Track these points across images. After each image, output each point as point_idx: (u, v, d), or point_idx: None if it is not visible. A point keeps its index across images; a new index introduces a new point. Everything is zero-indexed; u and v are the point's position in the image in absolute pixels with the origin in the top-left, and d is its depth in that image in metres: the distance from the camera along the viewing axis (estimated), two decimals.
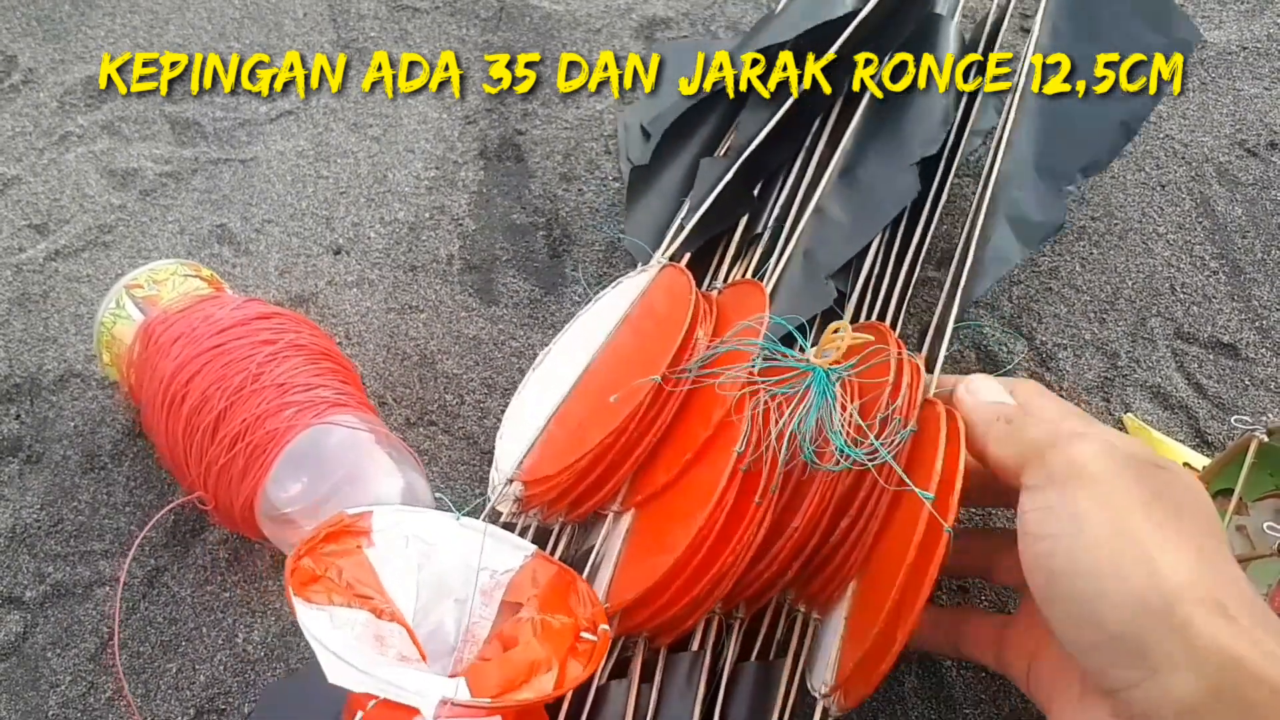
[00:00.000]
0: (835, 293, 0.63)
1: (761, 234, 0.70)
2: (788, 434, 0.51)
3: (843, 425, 0.51)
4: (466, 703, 0.42)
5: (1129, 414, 0.61)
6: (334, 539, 0.49)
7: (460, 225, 0.78)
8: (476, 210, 0.79)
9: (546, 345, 0.68)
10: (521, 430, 0.61)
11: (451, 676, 0.46)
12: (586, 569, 0.55)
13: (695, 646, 0.53)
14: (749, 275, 0.66)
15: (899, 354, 0.54)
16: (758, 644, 0.54)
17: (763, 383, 0.54)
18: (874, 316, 0.63)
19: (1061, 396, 0.63)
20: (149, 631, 0.59)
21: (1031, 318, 0.71)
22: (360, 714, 0.44)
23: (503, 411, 0.65)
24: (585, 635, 0.48)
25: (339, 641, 0.43)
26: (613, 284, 0.68)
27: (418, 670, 0.45)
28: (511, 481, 0.59)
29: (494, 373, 0.70)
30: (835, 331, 0.54)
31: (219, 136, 0.84)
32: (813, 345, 0.56)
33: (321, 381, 0.59)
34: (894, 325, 0.62)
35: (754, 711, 0.51)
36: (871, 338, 0.55)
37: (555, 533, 0.59)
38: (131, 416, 0.67)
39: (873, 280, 0.66)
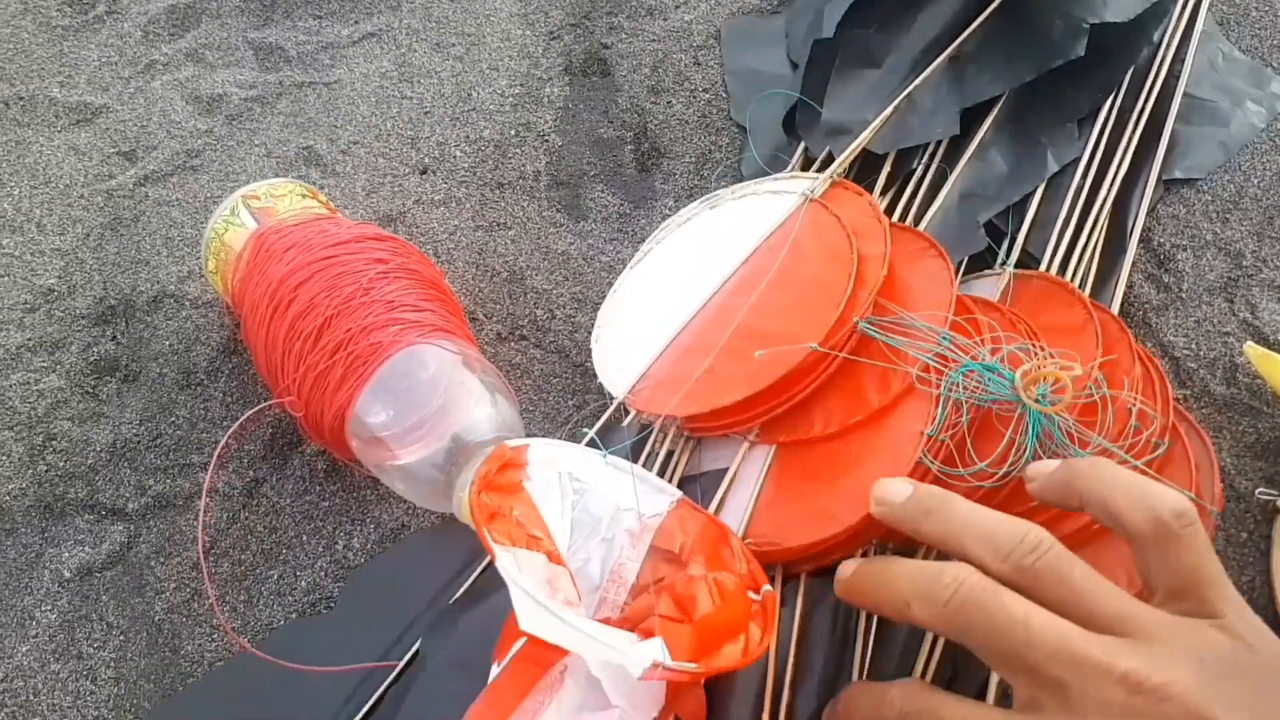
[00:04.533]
0: (985, 242, 0.62)
1: (915, 168, 0.68)
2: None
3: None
4: (675, 667, 0.41)
5: (1250, 344, 0.57)
6: (503, 472, 0.48)
7: (546, 141, 0.77)
8: (563, 126, 0.78)
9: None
10: (625, 339, 0.60)
11: (620, 625, 0.45)
12: (717, 496, 0.54)
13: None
14: (897, 208, 0.66)
15: (1136, 355, 0.53)
16: None
17: (960, 383, 0.51)
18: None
19: (1181, 299, 0.61)
20: (249, 540, 0.59)
21: (1149, 219, 0.68)
22: (512, 650, 0.44)
23: (594, 325, 0.65)
24: (753, 595, 0.47)
25: (531, 585, 0.42)
26: (742, 190, 0.66)
27: (613, 628, 0.44)
28: (629, 413, 0.58)
29: (584, 288, 0.69)
30: (1044, 368, 0.49)
31: (302, 60, 0.83)
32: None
33: (429, 306, 0.58)
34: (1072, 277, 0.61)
35: (907, 648, 0.49)
36: (1077, 369, 0.49)
37: (658, 430, 0.58)
38: (226, 335, 0.68)
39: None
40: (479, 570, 0.54)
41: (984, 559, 0.38)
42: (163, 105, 0.81)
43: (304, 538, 0.59)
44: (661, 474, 0.56)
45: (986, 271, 0.61)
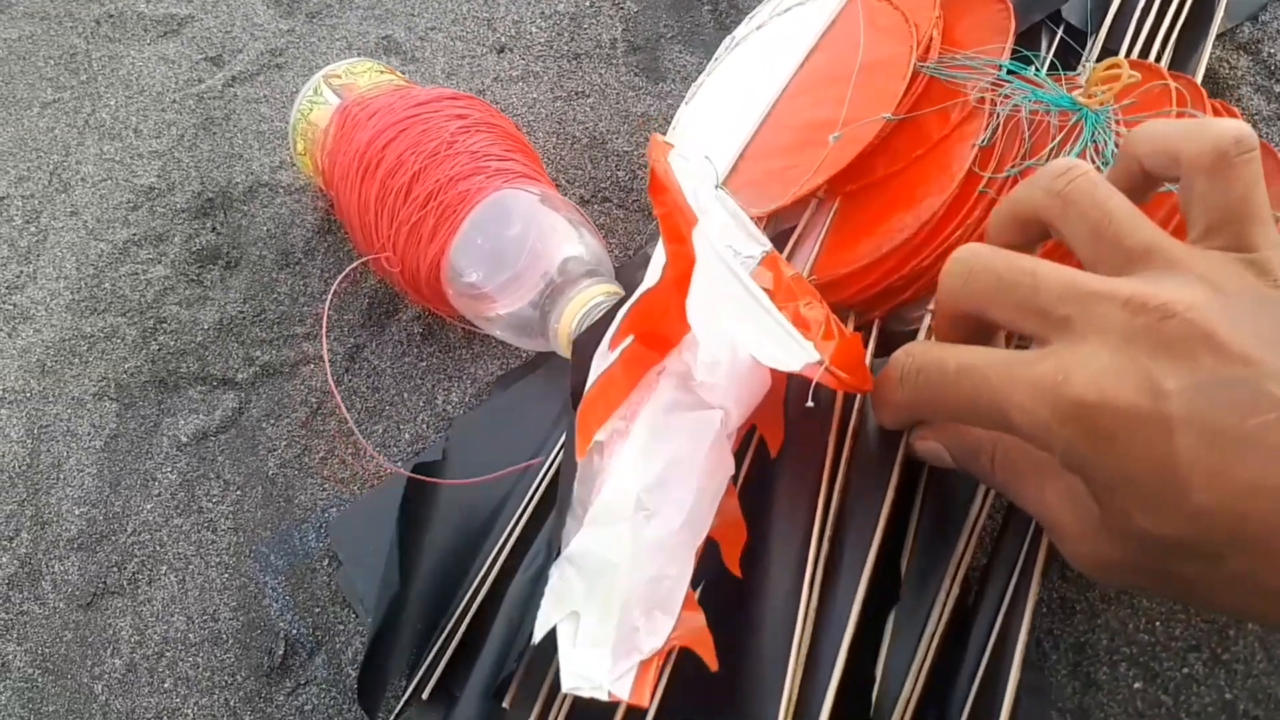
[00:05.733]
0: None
1: None
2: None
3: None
4: (835, 371, 0.41)
5: None
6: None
7: (621, 9, 0.78)
8: None
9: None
10: (699, 147, 0.61)
11: None
12: (786, 249, 0.55)
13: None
14: None
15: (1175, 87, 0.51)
16: None
17: (1015, 95, 0.52)
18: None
19: None
20: (354, 400, 0.61)
21: (1256, 29, 0.66)
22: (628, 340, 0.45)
23: None
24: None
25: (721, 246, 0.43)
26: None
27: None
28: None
29: None
30: (1110, 69, 0.50)
31: None
32: (1046, 67, 0.54)
33: (511, 156, 0.59)
34: (1157, 58, 0.59)
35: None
36: (1125, 66, 0.51)
37: None
38: (319, 216, 0.70)
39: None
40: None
41: (1016, 194, 0.39)
42: (245, 10, 0.83)
43: (405, 395, 0.61)
44: None
45: (1068, 73, 0.60)
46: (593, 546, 0.43)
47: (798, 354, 0.41)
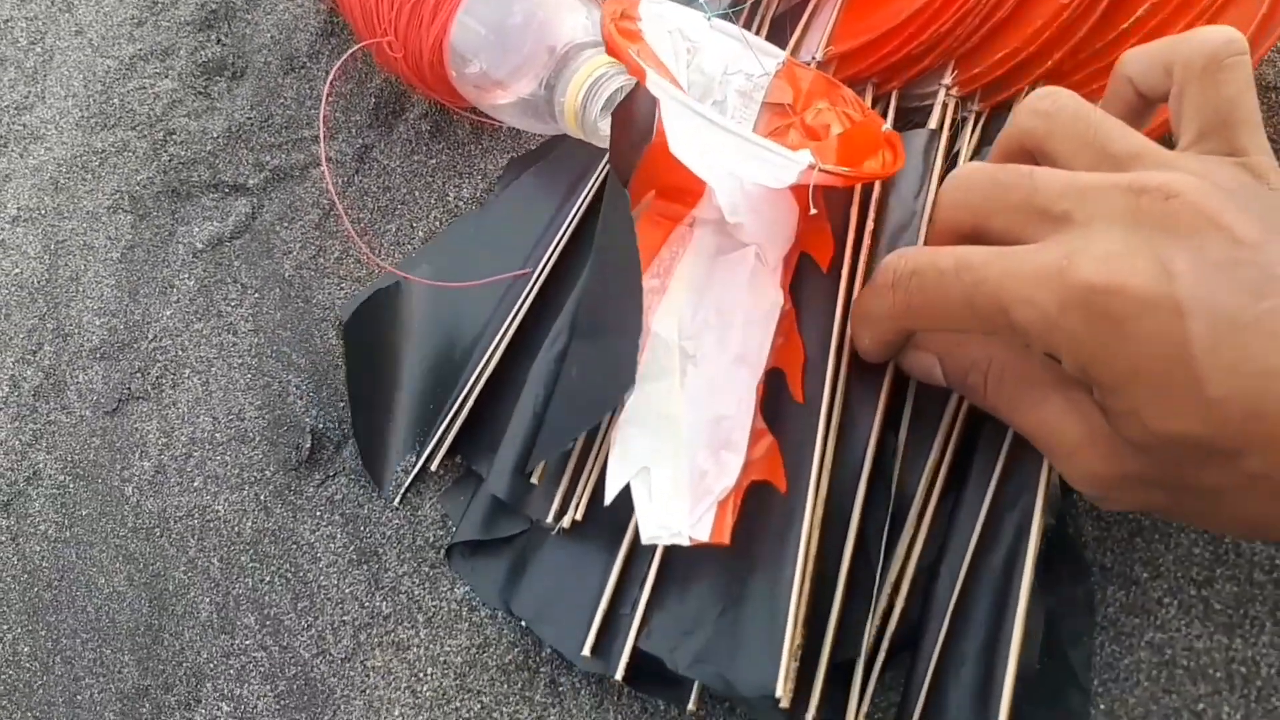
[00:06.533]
0: None
1: None
2: None
3: None
4: (828, 169, 0.41)
5: None
6: (624, 19, 0.48)
7: None
8: None
9: None
10: None
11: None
12: (802, 20, 0.55)
13: (932, 126, 0.51)
14: None
15: None
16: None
17: None
18: None
19: None
20: (365, 200, 0.61)
21: None
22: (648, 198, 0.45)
23: None
24: (885, 129, 0.48)
25: (683, 96, 0.43)
26: None
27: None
28: None
29: None
30: None
31: None
32: None
33: None
34: None
35: None
36: None
37: None
38: (323, 20, 0.68)
39: None
40: (591, 186, 0.55)
41: (1003, 131, 0.39)
42: None
43: (416, 193, 0.60)
44: (752, 15, 0.57)
45: None
46: (648, 403, 0.44)
47: (786, 166, 0.40)
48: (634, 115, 0.46)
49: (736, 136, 0.41)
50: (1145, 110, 0.38)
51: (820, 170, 0.40)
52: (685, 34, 0.50)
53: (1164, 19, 0.48)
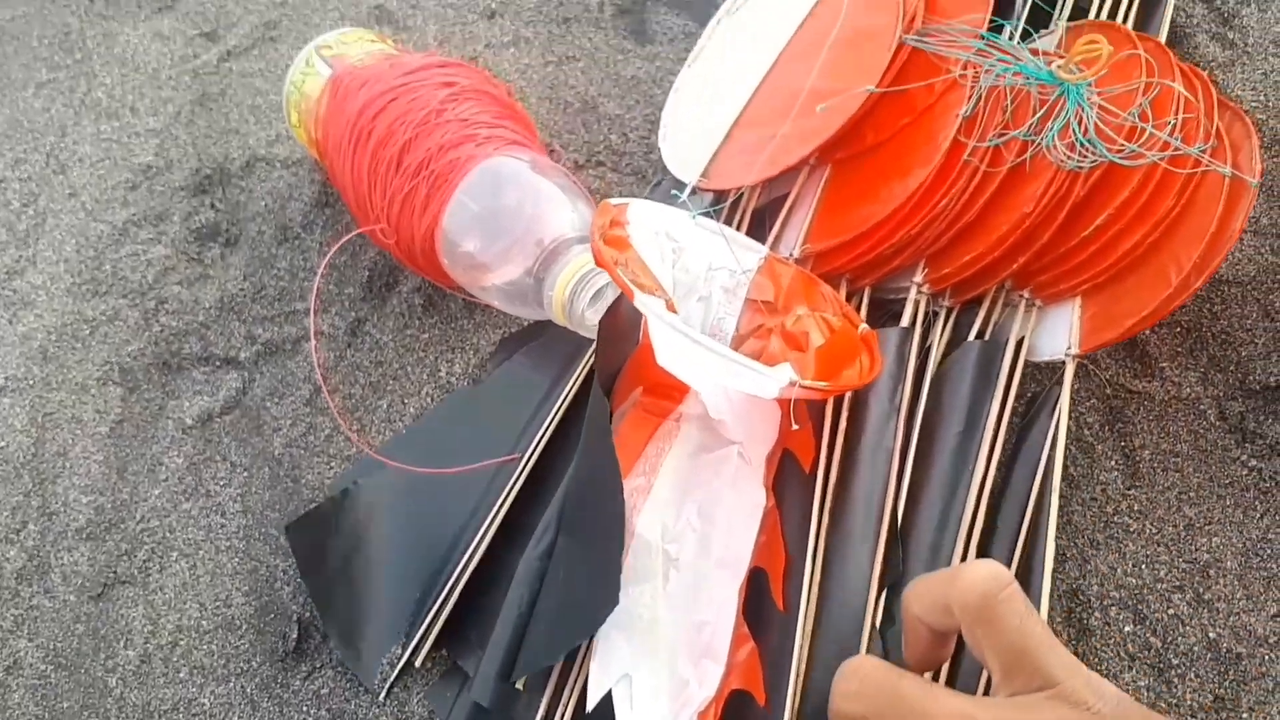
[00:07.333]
0: None
1: None
2: (1038, 136, 0.51)
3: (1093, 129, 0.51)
4: (808, 384, 0.42)
5: None
6: (613, 227, 0.49)
7: None
8: None
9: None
10: (690, 132, 0.61)
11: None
12: (780, 216, 0.57)
13: (905, 324, 0.53)
14: None
15: (1174, 64, 0.53)
16: (972, 330, 0.54)
17: (996, 66, 0.53)
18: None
19: (1247, 53, 0.59)
20: (357, 375, 0.61)
21: None
22: (635, 393, 0.45)
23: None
24: (861, 329, 0.49)
25: (670, 317, 0.44)
26: None
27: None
28: (696, 191, 0.59)
29: (655, 110, 0.69)
30: (1090, 44, 0.52)
31: None
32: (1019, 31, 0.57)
33: (500, 123, 0.59)
34: (1116, 17, 0.61)
35: (974, 390, 0.51)
36: (1104, 42, 0.52)
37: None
38: (317, 189, 0.69)
39: None
40: (580, 371, 0.56)
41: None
42: None
43: (408, 368, 0.61)
44: (734, 210, 0.59)
45: (1042, 31, 0.61)
46: (631, 607, 0.44)
47: (766, 383, 0.42)
48: (620, 322, 0.47)
49: (720, 356, 0.42)
50: (945, 639, 0.38)
51: (801, 386, 0.42)
52: (671, 234, 0.52)
53: (1122, 228, 0.50)
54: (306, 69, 0.64)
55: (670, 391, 0.49)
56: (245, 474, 0.58)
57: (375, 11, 0.78)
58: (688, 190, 0.58)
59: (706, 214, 0.55)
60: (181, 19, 0.81)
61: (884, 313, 0.55)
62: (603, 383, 0.46)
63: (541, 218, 0.55)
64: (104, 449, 0.60)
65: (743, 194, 0.59)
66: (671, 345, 0.43)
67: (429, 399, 0.59)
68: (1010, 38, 0.57)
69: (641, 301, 0.44)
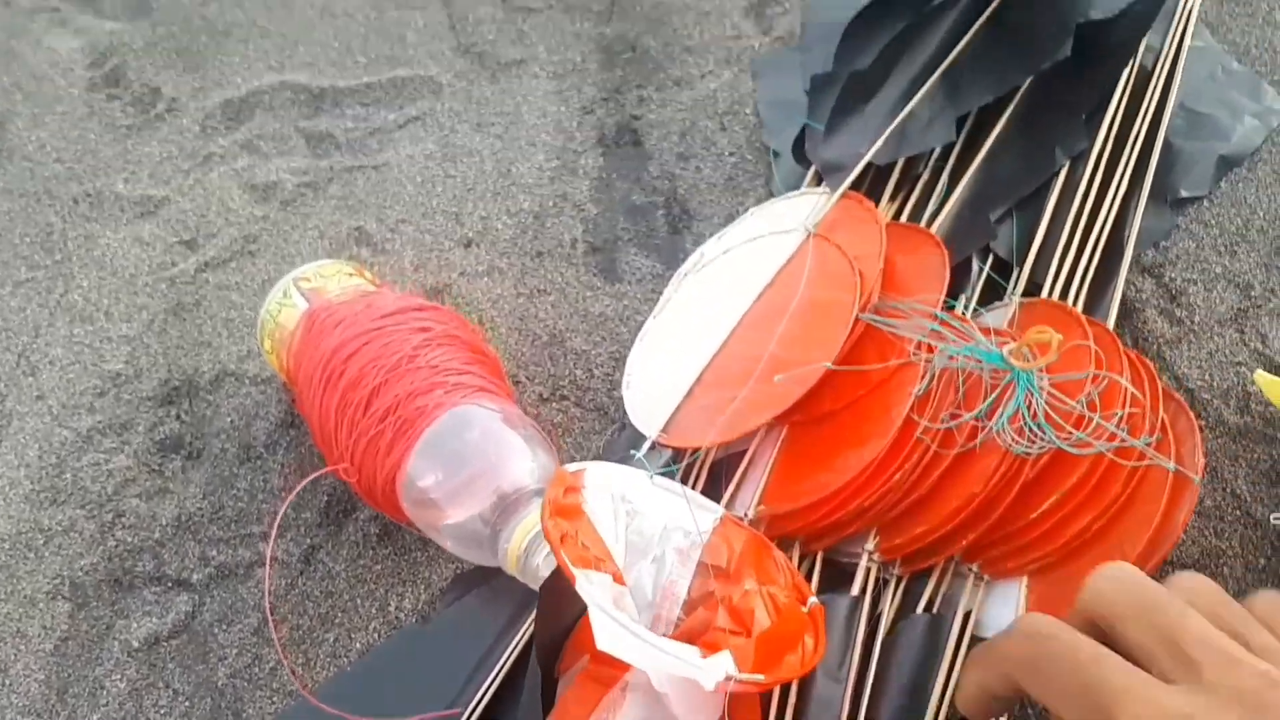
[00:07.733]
0: (995, 234, 0.66)
1: (921, 173, 0.72)
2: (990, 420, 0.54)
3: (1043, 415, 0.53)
4: (744, 679, 0.43)
5: (1259, 372, 0.59)
6: (567, 495, 0.51)
7: (582, 210, 0.80)
8: (597, 195, 0.81)
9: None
10: (653, 384, 0.63)
11: (676, 639, 0.47)
12: (736, 475, 0.59)
13: (855, 592, 0.54)
14: (905, 213, 0.70)
15: (1122, 351, 0.57)
16: (921, 601, 0.55)
17: (949, 348, 0.56)
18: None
19: (1193, 331, 0.63)
20: (306, 605, 0.62)
21: (1159, 254, 0.70)
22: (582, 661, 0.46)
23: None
24: (805, 607, 0.50)
25: (609, 607, 0.45)
26: (750, 216, 0.72)
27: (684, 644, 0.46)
28: (655, 445, 0.61)
29: (620, 347, 0.71)
30: (1041, 333, 0.55)
31: (351, 146, 0.87)
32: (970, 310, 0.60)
33: (469, 369, 0.61)
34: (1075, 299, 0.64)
35: (920, 664, 0.52)
36: (1054, 333, 0.55)
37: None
38: (284, 409, 0.71)
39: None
40: (530, 622, 0.56)
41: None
42: (221, 194, 0.85)
43: (358, 601, 0.61)
44: (690, 466, 0.61)
45: (996, 304, 0.64)
46: None
47: (703, 676, 0.42)
48: (566, 585, 0.48)
49: (657, 648, 0.43)
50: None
51: (736, 680, 0.42)
52: (627, 497, 0.53)
53: (1069, 513, 0.52)
54: (283, 300, 0.66)
55: (617, 660, 0.50)
56: (186, 704, 0.58)
57: (355, 233, 0.81)
58: (645, 446, 0.60)
59: (665, 472, 0.57)
60: (163, 225, 0.84)
61: (836, 570, 0.57)
62: (543, 653, 0.47)
63: (502, 468, 0.57)
64: (46, 667, 0.60)
65: (699, 452, 0.61)
66: (609, 630, 0.43)
67: (376, 634, 0.60)
68: (965, 309, 0.61)
69: (582, 587, 0.45)
